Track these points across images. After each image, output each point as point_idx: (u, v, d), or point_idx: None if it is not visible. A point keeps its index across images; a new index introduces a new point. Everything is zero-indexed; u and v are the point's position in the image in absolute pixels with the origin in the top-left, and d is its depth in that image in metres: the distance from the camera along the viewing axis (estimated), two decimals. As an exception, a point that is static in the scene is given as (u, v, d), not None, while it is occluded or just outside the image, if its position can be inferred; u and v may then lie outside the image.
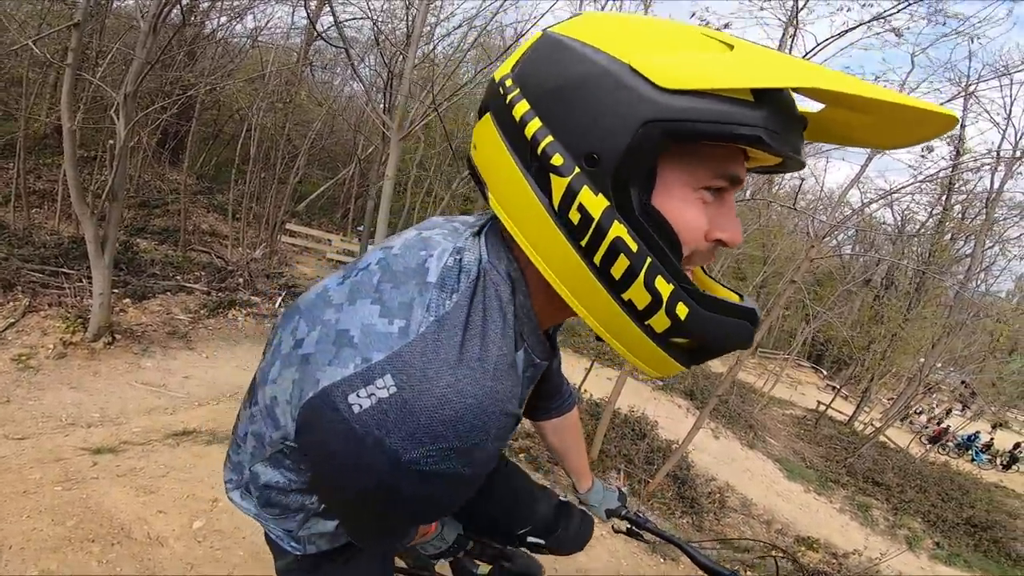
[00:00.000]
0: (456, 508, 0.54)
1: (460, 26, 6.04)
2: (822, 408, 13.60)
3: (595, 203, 0.42)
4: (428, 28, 5.84)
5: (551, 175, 0.43)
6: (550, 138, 0.43)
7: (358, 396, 0.45)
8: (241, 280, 6.87)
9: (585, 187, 0.42)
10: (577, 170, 0.42)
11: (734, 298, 0.51)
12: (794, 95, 0.44)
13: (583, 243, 0.43)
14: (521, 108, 0.45)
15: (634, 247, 0.42)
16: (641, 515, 1.23)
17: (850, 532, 7.66)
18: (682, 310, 0.43)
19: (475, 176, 0.52)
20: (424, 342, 0.46)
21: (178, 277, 6.19)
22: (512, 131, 0.46)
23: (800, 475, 9.24)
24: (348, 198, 13.16)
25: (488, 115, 0.49)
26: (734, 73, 0.38)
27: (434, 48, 6.08)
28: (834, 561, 5.46)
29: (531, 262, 0.49)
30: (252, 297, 6.47)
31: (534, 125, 0.44)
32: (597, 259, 0.43)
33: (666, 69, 0.39)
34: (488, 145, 0.48)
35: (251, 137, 8.47)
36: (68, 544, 1.93)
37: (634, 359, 0.49)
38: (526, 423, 4.90)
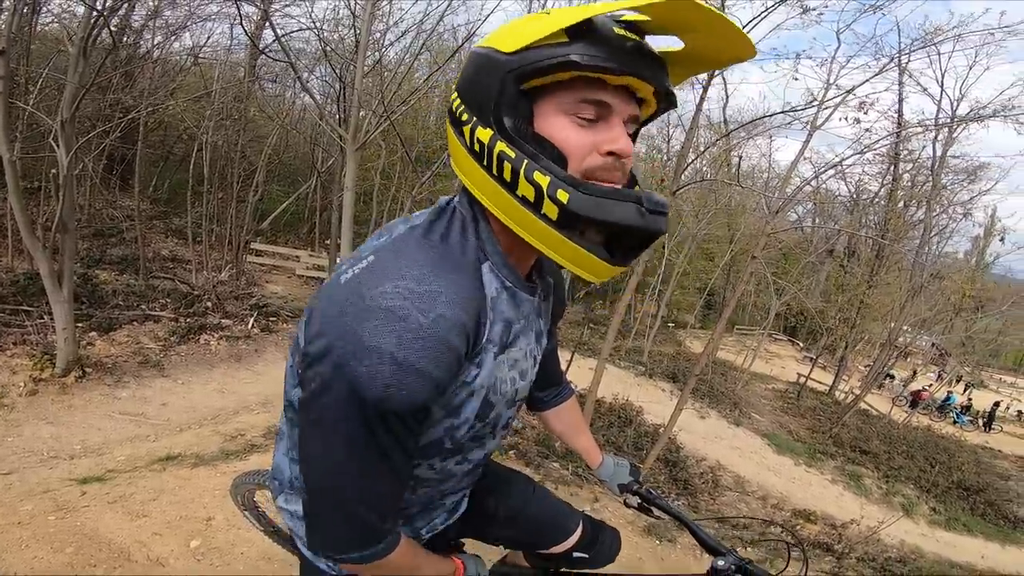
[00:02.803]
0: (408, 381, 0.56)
1: (406, 31, 6.03)
2: (802, 380, 13.55)
3: (484, 134, 0.60)
4: (377, 35, 5.81)
5: (463, 127, 0.63)
6: (463, 107, 0.63)
7: (348, 271, 0.62)
8: (209, 304, 6.74)
9: (479, 127, 0.61)
10: (475, 118, 0.62)
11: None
12: (649, 39, 0.61)
13: (484, 163, 0.62)
14: (456, 102, 0.65)
15: (512, 154, 0.59)
16: (653, 491, 1.22)
17: (845, 502, 7.64)
18: (563, 195, 0.57)
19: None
20: (397, 239, 0.66)
21: (143, 306, 6.06)
22: (451, 116, 0.66)
23: (789, 449, 9.26)
24: (312, 212, 12.95)
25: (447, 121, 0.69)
26: (541, 28, 0.57)
27: (382, 55, 6.04)
28: (834, 532, 5.39)
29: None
30: (223, 320, 6.37)
31: (457, 105, 0.65)
32: (494, 170, 0.61)
33: (508, 40, 0.59)
34: (448, 137, 0.68)
35: (203, 156, 8.26)
36: (71, 569, 1.93)
37: (565, 262, 0.62)
38: (523, 419, 4.77)
